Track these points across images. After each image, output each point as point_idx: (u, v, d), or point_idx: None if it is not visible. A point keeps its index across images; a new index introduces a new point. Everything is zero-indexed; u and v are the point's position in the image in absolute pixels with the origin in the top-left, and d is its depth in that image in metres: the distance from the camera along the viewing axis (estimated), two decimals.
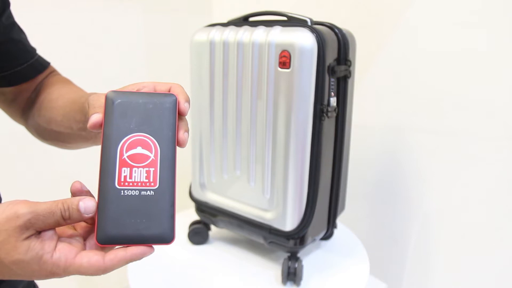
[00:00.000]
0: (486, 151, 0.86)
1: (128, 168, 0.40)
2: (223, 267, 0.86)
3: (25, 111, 0.65)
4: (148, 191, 0.39)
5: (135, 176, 0.40)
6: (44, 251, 0.36)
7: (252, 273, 0.84)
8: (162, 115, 0.42)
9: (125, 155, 0.41)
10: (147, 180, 0.40)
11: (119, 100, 0.42)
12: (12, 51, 0.60)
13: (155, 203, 0.39)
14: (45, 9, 1.04)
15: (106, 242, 0.38)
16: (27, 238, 0.35)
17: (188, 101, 0.42)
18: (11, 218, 0.35)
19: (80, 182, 0.40)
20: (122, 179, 0.40)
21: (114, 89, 0.43)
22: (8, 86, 0.62)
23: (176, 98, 0.42)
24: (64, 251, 0.36)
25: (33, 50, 0.64)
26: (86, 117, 0.49)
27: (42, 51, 0.66)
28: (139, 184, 0.40)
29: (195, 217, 0.94)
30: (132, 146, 0.41)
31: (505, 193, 0.84)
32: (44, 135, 0.63)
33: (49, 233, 0.37)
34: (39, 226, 0.36)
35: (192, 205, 0.94)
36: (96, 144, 0.57)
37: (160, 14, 1.27)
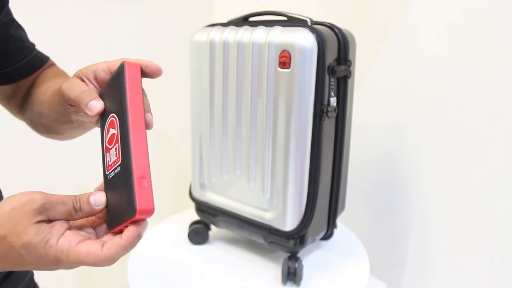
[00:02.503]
0: (486, 151, 0.86)
1: (108, 153, 0.40)
2: (223, 267, 0.86)
3: (22, 106, 0.65)
4: (118, 168, 0.38)
5: (111, 158, 0.40)
6: (52, 234, 0.36)
7: (252, 273, 0.84)
8: (116, 87, 0.40)
9: (106, 142, 0.41)
10: (116, 157, 0.39)
11: (102, 95, 0.43)
12: (10, 48, 0.60)
13: (121, 178, 0.37)
14: (44, 9, 1.04)
15: (110, 227, 0.39)
16: (38, 222, 0.36)
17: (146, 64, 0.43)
18: (26, 202, 0.36)
19: None
20: (107, 165, 0.40)
21: None
22: (6, 84, 0.62)
23: (124, 63, 0.40)
24: (69, 238, 0.37)
25: (31, 46, 0.64)
26: (65, 108, 0.49)
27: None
28: (113, 164, 0.39)
29: (195, 217, 0.94)
30: (108, 130, 0.41)
31: (505, 193, 0.84)
32: (38, 128, 0.63)
33: (60, 221, 0.38)
34: (51, 214, 0.37)
35: (192, 205, 0.94)
36: (86, 130, 0.57)
37: (160, 14, 1.27)
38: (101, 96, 0.43)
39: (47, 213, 0.37)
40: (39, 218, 0.36)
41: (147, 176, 0.36)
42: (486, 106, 0.84)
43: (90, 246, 0.37)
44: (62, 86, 0.45)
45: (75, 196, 0.38)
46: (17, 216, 0.36)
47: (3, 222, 0.36)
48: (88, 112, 0.42)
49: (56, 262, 0.37)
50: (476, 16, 0.83)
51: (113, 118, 0.40)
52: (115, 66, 0.44)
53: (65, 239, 0.37)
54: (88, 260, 0.36)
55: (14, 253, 0.36)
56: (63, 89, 0.45)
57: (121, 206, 0.37)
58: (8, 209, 0.37)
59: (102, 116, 0.43)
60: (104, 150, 0.41)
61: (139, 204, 0.35)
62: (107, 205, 0.39)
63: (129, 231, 0.36)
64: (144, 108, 0.40)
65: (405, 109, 0.98)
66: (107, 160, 0.40)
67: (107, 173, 0.40)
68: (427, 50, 0.92)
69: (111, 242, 0.36)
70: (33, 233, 0.36)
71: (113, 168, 0.39)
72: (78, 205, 0.38)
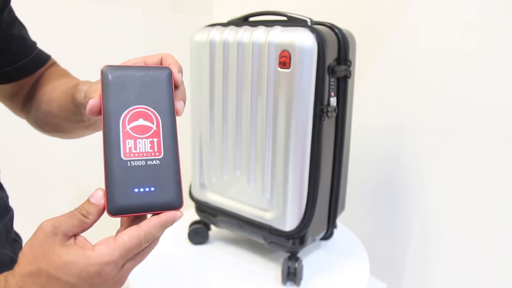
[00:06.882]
0: (486, 151, 0.86)
1: (132, 140, 0.41)
2: (223, 267, 0.86)
3: (25, 104, 0.65)
4: (154, 161, 0.41)
5: (139, 147, 0.41)
6: (86, 246, 0.37)
7: (252, 273, 0.84)
8: (159, 88, 0.43)
9: (127, 127, 0.41)
10: (151, 150, 0.41)
11: (115, 74, 0.43)
12: (13, 47, 0.60)
13: (161, 171, 0.41)
14: (44, 9, 1.04)
15: (117, 212, 0.39)
16: (61, 244, 0.37)
17: (181, 71, 0.44)
18: (38, 232, 0.37)
19: None
20: (127, 151, 0.41)
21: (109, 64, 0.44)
22: (8, 82, 0.63)
23: (171, 71, 0.44)
24: (102, 242, 0.37)
25: (33, 44, 0.64)
26: (78, 107, 0.50)
27: None
28: (145, 154, 0.41)
29: (195, 217, 0.94)
30: (133, 118, 0.42)
31: (505, 193, 0.84)
32: (44, 127, 0.63)
33: (82, 238, 0.39)
34: (65, 229, 0.37)
35: (192, 205, 0.94)
36: (97, 130, 0.58)
37: (160, 14, 1.27)
38: (120, 78, 0.43)
39: (61, 230, 0.37)
40: (58, 239, 0.37)
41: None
42: (486, 106, 0.84)
43: (128, 231, 0.38)
44: (84, 87, 0.47)
45: (78, 206, 0.39)
46: (39, 247, 0.36)
47: (30, 257, 0.37)
48: None
49: (104, 268, 0.36)
50: (476, 16, 0.83)
51: (148, 111, 0.42)
52: (152, 60, 0.45)
53: (101, 246, 0.37)
54: (133, 243, 0.37)
55: (52, 281, 0.36)
56: (83, 89, 0.46)
57: (148, 196, 0.40)
58: (27, 247, 0.37)
59: (109, 98, 0.43)
60: (120, 135, 0.41)
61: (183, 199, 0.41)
62: (114, 189, 0.40)
63: (171, 214, 0.40)
64: (179, 96, 0.44)
65: (405, 109, 0.98)
66: (127, 146, 0.41)
67: (125, 159, 0.41)
68: (427, 50, 0.92)
69: (148, 220, 0.38)
70: (64, 253, 0.36)
71: (143, 158, 0.41)
72: (84, 210, 0.38)
